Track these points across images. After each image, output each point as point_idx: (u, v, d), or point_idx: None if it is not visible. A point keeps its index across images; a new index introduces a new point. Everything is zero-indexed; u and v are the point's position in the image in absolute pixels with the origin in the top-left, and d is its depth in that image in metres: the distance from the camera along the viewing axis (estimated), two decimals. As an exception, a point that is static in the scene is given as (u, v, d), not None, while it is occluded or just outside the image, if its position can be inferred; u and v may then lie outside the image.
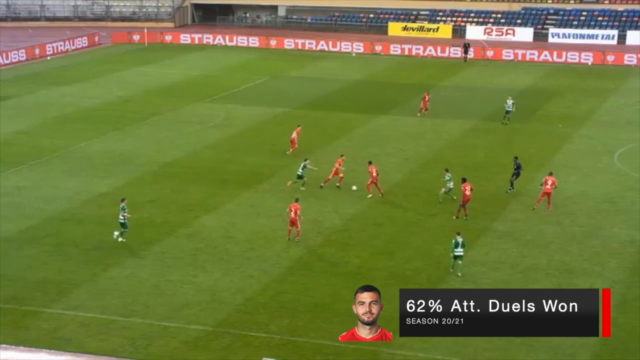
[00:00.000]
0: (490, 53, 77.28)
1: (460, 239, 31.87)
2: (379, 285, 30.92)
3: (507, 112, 53.39)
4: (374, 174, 39.97)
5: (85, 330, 27.93)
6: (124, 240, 34.76)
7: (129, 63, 74.45)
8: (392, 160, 45.84)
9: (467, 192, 37.27)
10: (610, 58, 74.38)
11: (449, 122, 54.46)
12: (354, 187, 40.93)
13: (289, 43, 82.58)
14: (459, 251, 31.86)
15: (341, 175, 41.33)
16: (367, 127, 53.17)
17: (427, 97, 56.48)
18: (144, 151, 48.02)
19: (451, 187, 39.02)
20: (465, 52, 76.33)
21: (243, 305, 29.85)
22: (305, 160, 41.81)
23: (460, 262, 32.02)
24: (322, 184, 41.04)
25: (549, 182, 38.28)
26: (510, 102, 53.47)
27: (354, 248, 34.74)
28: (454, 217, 37.55)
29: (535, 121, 55.05)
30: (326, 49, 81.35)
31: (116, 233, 34.94)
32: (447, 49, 78.38)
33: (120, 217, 34.76)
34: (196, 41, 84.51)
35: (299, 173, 41.20)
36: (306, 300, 30.12)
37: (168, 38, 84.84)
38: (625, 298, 30.40)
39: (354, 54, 79.65)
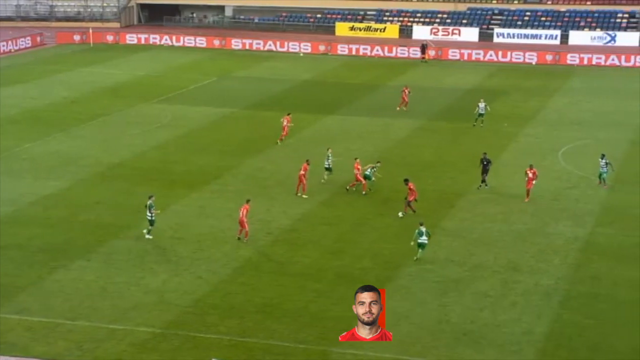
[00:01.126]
0: (432, 53, 77.80)
1: (423, 229, 33.04)
2: (328, 284, 31.20)
3: (480, 114, 53.14)
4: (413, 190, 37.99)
5: (30, 335, 27.51)
6: (151, 237, 34.75)
7: (74, 64, 73.62)
8: (340, 159, 45.88)
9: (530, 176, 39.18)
10: (553, 58, 75.42)
11: (397, 121, 54.72)
12: (400, 214, 38.14)
13: (236, 43, 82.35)
14: (423, 239, 32.99)
15: (360, 180, 40.98)
16: (314, 127, 53.22)
17: (406, 90, 57.03)
18: (90, 152, 47.53)
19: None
20: (423, 52, 76.79)
21: (192, 306, 29.65)
22: (328, 149, 42.72)
23: (421, 250, 33.00)
24: (347, 187, 41.23)
25: (530, 174, 39.38)
26: (482, 104, 53.28)
27: (303, 248, 34.73)
28: (400, 214, 37.75)
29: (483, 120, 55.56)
30: (274, 49, 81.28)
31: (145, 231, 34.96)
32: (394, 48, 78.81)
33: (148, 214, 34.77)
34: (142, 41, 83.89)
35: (327, 165, 42.25)
36: (255, 300, 30.02)
37: (111, 38, 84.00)
38: (569, 294, 30.84)
39: (301, 54, 79.69)
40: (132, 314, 29.04)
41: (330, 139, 50.37)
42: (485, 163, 41.49)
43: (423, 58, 76.20)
